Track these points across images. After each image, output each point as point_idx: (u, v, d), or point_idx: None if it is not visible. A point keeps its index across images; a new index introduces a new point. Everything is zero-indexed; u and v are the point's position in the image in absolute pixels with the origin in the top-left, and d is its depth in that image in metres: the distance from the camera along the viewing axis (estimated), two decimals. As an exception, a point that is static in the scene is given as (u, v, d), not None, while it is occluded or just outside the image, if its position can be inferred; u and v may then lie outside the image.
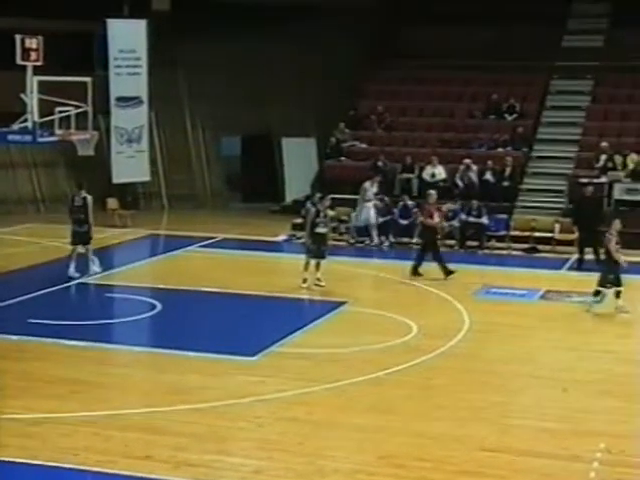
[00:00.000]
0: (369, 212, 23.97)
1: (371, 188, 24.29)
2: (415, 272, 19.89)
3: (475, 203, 24.00)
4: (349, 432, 11.10)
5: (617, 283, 16.91)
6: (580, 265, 21.35)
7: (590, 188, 22.80)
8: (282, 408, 11.82)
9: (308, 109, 29.46)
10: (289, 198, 29.06)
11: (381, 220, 24.17)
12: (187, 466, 9.95)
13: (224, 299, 17.83)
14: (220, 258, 21.95)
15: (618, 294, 17.00)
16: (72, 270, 18.85)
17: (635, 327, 16.17)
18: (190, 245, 23.08)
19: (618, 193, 24.68)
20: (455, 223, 23.98)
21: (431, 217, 20.39)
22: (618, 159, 25.23)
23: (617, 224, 16.50)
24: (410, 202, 24.60)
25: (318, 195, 20.37)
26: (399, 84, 29.41)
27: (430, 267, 19.85)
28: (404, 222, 24.22)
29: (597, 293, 17.15)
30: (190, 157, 30.54)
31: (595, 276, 17.53)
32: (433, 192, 21.17)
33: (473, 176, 25.47)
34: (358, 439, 10.87)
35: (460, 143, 27.22)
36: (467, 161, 25.58)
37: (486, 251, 23.41)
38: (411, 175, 26.22)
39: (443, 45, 29.14)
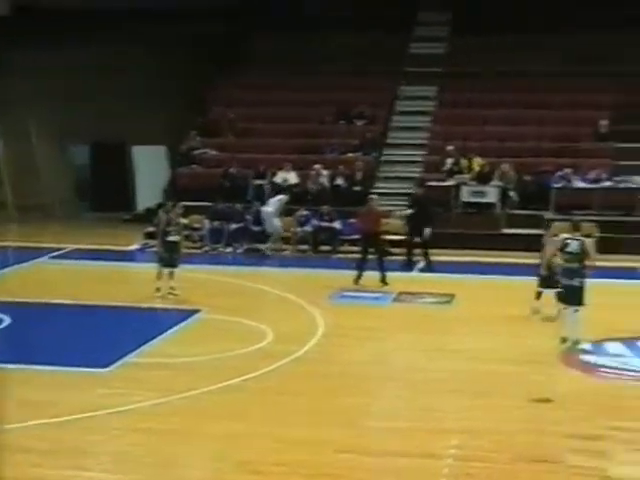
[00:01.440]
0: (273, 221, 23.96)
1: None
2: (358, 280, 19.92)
3: (327, 208, 24.26)
4: (205, 440, 11.04)
5: (544, 285, 16.80)
6: (409, 266, 22.00)
7: (420, 190, 23.37)
8: (137, 419, 11.66)
9: (159, 117, 29.17)
10: (141, 206, 28.78)
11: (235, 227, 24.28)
12: (40, 483, 9.72)
13: (76, 311, 17.48)
14: (71, 269, 21.52)
15: (539, 295, 17.14)
16: None
17: (481, 326, 16.61)
18: (40, 257, 22.55)
19: (465, 196, 25.36)
20: (308, 228, 24.18)
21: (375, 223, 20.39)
22: (464, 162, 25.93)
23: (554, 228, 15.82)
24: (263, 208, 24.68)
25: (170, 203, 20.20)
26: (249, 91, 29.44)
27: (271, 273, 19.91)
28: (257, 229, 24.29)
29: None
30: (36, 166, 29.81)
31: (444, 277, 17.94)
32: (375, 197, 21.28)
33: (324, 181, 25.73)
34: (214, 447, 10.83)
35: (311, 148, 27.46)
36: (317, 166, 25.82)
37: (339, 255, 23.68)
38: (263, 181, 26.30)
39: (294, 51, 29.37)
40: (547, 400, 12.41)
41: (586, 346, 15.00)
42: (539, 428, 11.39)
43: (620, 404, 12.62)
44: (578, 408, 12.28)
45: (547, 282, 16.39)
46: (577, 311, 14.63)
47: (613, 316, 16.60)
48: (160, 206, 23.13)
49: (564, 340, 14.62)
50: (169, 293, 18.39)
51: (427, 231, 21.76)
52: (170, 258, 18.54)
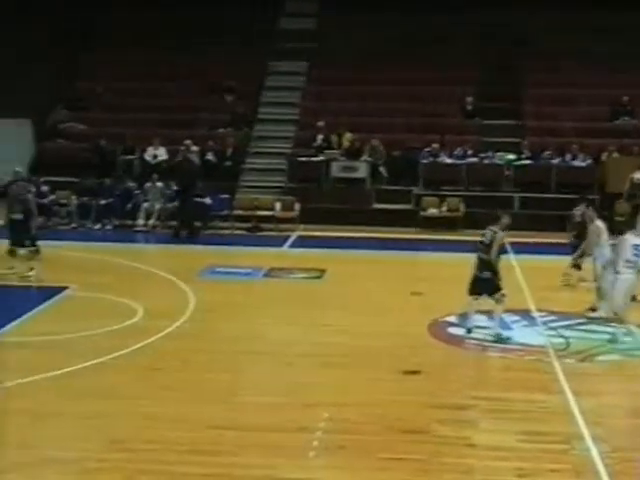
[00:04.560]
0: None
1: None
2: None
3: (198, 183, 24.05)
4: (74, 420, 10.83)
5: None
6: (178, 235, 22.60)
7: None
8: (1, 401, 11.35)
9: (23, 90, 28.32)
10: (2, 182, 27.87)
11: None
12: None
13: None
14: None
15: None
16: None
17: (352, 300, 16.78)
18: None
19: (335, 171, 25.54)
20: (177, 204, 23.93)
21: None
22: (334, 138, 26.10)
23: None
24: (132, 184, 24.35)
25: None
26: (119, 65, 28.89)
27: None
28: (128, 205, 23.96)
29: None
30: None
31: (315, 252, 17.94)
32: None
33: (194, 157, 25.48)
34: (84, 426, 10.63)
35: (181, 124, 27.15)
36: (187, 142, 25.52)
37: (210, 231, 23.55)
38: (132, 157, 25.90)
39: (165, 26, 28.98)
40: (416, 372, 12.63)
41: (453, 319, 15.34)
42: (408, 400, 11.60)
43: (484, 375, 12.97)
44: (445, 379, 12.57)
45: None
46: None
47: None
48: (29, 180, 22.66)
49: (469, 331, 14.51)
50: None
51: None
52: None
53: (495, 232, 14.28)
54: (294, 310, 16.28)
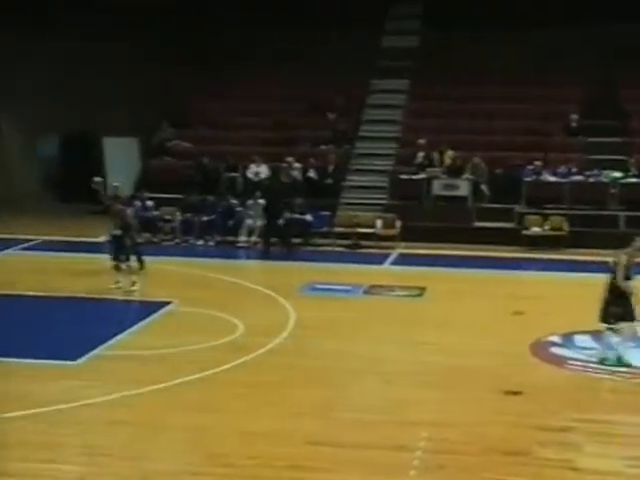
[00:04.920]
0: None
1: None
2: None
3: (297, 200, 24.23)
4: (176, 433, 11.01)
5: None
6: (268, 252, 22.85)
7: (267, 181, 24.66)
8: (107, 412, 11.60)
9: (130, 108, 29.02)
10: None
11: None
12: (8, 477, 9.64)
13: (45, 303, 17.35)
14: (40, 261, 21.36)
15: None
16: None
17: (453, 319, 16.65)
18: (8, 248, 22.37)
19: (436, 189, 25.40)
20: (279, 221, 24.11)
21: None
22: (435, 156, 25.97)
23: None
24: (234, 201, 24.65)
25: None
26: (222, 83, 29.34)
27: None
28: (229, 221, 24.25)
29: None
30: (5, 158, 29.58)
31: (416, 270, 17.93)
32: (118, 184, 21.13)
33: (296, 174, 25.70)
34: (185, 440, 10.79)
35: (283, 141, 27.38)
36: (290, 159, 25.77)
37: (310, 248, 23.67)
38: (235, 174, 26.23)
39: (266, 44, 29.32)
40: (517, 392, 12.46)
41: (556, 339, 15.09)
42: (509, 420, 11.44)
43: (588, 397, 12.71)
44: (547, 400, 12.35)
45: None
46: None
47: (582, 309, 16.66)
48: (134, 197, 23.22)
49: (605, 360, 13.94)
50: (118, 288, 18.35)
51: (281, 220, 22.84)
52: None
53: (621, 254, 13.74)
54: (393, 328, 16.22)
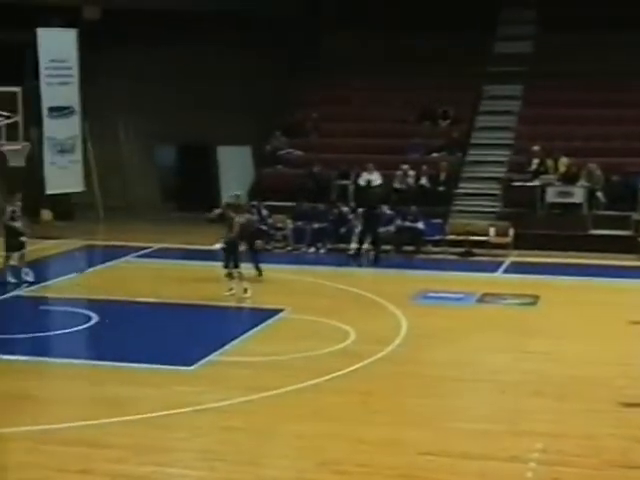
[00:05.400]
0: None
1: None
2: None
3: (411, 208, 24.17)
4: (289, 439, 11.08)
5: None
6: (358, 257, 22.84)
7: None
8: (221, 417, 11.75)
9: (244, 118, 29.38)
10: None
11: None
12: (125, 478, 9.85)
13: (160, 309, 17.69)
14: (156, 268, 21.79)
15: None
16: (10, 276, 19.14)
17: (567, 328, 16.36)
18: (126, 255, 22.88)
19: (551, 196, 25.01)
20: (391, 228, 24.11)
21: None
22: (550, 162, 25.57)
23: None
24: (345, 209, 24.72)
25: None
26: (334, 91, 29.45)
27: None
28: (341, 229, 24.33)
29: None
30: (124, 167, 30.32)
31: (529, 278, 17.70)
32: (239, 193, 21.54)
33: (410, 181, 25.63)
34: (298, 446, 10.85)
35: (395, 149, 27.34)
36: (405, 167, 25.72)
37: (422, 256, 23.56)
38: (347, 182, 26.30)
39: (377, 52, 29.34)
40: (636, 404, 12.15)
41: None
42: (629, 433, 11.16)
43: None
44: (668, 413, 12.01)
45: None
46: None
47: None
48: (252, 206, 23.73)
49: None
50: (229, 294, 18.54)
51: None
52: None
53: None
54: (506, 336, 16.01)
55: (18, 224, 19.56)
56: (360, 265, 22.74)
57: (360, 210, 24.16)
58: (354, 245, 23.89)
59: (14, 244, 19.38)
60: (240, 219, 19.43)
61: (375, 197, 24.49)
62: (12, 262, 19.34)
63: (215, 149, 30.72)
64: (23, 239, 19.46)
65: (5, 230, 19.49)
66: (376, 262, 22.80)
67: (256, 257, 20.35)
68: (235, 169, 29.94)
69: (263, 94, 28.69)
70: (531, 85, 28.52)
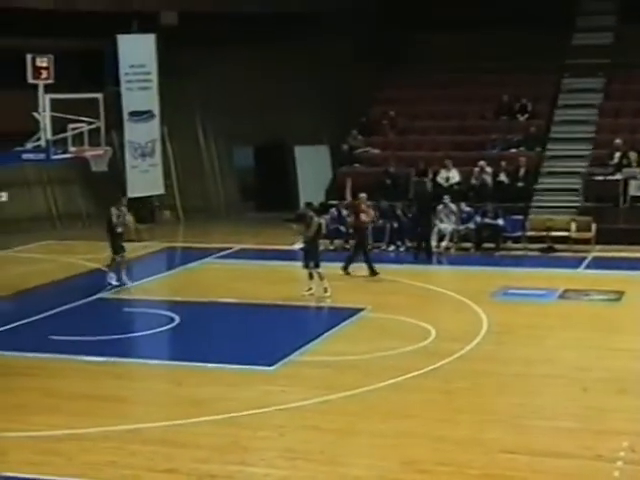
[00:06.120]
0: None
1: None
2: (346, 271, 20.37)
3: (490, 205, 23.99)
4: (371, 439, 11.10)
5: None
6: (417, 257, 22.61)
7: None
8: (303, 417, 11.83)
9: (320, 117, 29.51)
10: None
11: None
12: (210, 478, 9.98)
13: (241, 310, 17.85)
14: (237, 269, 21.99)
15: None
16: (124, 278, 19.68)
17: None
18: (206, 257, 23.14)
19: (634, 190, 24.59)
20: (471, 225, 23.98)
21: (357, 217, 20.89)
22: (632, 155, 25.14)
23: None
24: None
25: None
26: (410, 89, 29.42)
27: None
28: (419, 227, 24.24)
29: None
30: (203, 169, 30.67)
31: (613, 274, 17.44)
32: (363, 195, 21.48)
33: (487, 178, 25.44)
34: (380, 445, 10.87)
35: (473, 145, 27.17)
36: (482, 163, 25.53)
37: (502, 252, 23.37)
38: (425, 179, 26.20)
39: (454, 49, 29.20)
40: None
41: None
42: None
43: None
44: None
45: None
46: None
47: None
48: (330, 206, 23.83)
49: None
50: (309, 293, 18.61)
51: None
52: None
53: None
54: (589, 333, 15.81)
55: (121, 228, 19.97)
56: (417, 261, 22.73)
57: (453, 207, 24.06)
58: (434, 243, 23.72)
59: (119, 247, 19.77)
60: (319, 219, 19.52)
61: (428, 194, 24.39)
62: (117, 264, 19.71)
63: (293, 149, 30.89)
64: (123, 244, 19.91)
65: (110, 234, 19.88)
66: (428, 259, 22.69)
67: (367, 257, 20.46)
68: (313, 168, 30.08)
69: (340, 93, 28.76)
70: (611, 77, 28.11)
